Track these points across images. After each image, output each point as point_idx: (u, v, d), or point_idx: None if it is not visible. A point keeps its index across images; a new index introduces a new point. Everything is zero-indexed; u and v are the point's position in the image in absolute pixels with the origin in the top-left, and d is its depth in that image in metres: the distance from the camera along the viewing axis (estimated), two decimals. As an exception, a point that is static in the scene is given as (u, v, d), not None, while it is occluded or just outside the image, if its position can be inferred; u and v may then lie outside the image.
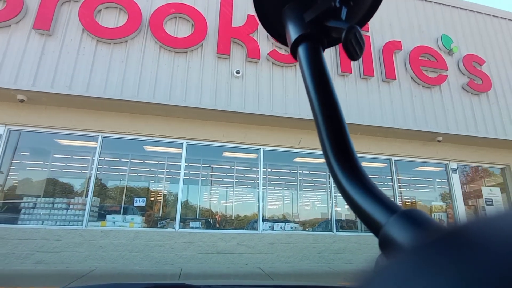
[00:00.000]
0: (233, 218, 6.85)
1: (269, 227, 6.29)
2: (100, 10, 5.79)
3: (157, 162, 6.66)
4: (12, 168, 5.72)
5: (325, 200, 7.08)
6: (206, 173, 7.09)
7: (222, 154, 6.75)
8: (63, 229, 5.28)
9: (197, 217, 6.58)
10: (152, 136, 6.05)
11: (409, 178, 7.74)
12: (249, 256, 5.79)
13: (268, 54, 6.27)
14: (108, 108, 5.75)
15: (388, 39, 7.09)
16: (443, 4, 8.05)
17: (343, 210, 7.03)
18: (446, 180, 7.42)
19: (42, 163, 6.20)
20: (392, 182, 7.08)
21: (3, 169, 5.50)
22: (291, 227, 6.43)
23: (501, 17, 8.51)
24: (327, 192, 7.03)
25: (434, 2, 8.01)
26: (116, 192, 6.48)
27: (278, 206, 7.40)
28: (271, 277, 4.94)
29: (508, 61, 8.00)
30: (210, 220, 6.70)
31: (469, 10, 8.23)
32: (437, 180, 7.82)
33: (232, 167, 7.02)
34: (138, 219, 5.80)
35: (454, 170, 7.37)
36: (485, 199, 7.40)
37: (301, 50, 0.34)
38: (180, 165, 6.05)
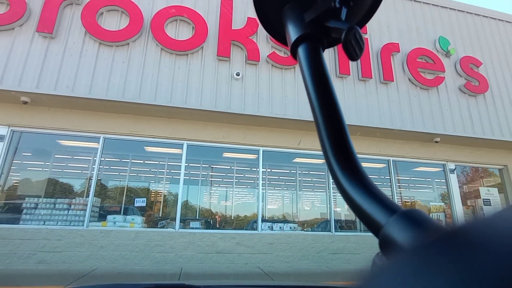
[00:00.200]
0: (232, 218, 6.88)
1: (269, 227, 6.32)
2: (102, 13, 5.87)
3: (157, 163, 6.71)
4: (14, 168, 5.78)
5: (324, 201, 7.11)
6: (206, 173, 7.14)
7: (222, 154, 6.80)
8: (65, 229, 5.33)
9: (197, 217, 6.61)
10: (153, 137, 6.11)
11: (407, 178, 7.78)
12: (248, 256, 5.83)
13: (267, 56, 6.34)
14: (110, 110, 5.81)
15: (386, 41, 7.17)
16: (440, 6, 8.12)
17: (342, 210, 7.07)
18: (444, 181, 7.47)
19: (44, 164, 6.25)
20: (390, 183, 7.13)
21: (5, 170, 5.56)
22: (290, 227, 6.46)
23: (498, 19, 8.58)
24: (326, 193, 7.07)
25: (432, 4, 8.09)
26: (116, 192, 6.53)
27: (277, 206, 7.44)
28: (270, 277, 4.98)
29: (504, 62, 8.06)
30: (210, 220, 6.73)
31: (466, 12, 8.31)
32: (435, 180, 7.86)
33: (232, 168, 7.07)
34: (139, 219, 5.84)
35: (452, 171, 7.42)
36: (483, 199, 7.43)
37: (301, 50, 0.34)
38: (180, 165, 6.10)
